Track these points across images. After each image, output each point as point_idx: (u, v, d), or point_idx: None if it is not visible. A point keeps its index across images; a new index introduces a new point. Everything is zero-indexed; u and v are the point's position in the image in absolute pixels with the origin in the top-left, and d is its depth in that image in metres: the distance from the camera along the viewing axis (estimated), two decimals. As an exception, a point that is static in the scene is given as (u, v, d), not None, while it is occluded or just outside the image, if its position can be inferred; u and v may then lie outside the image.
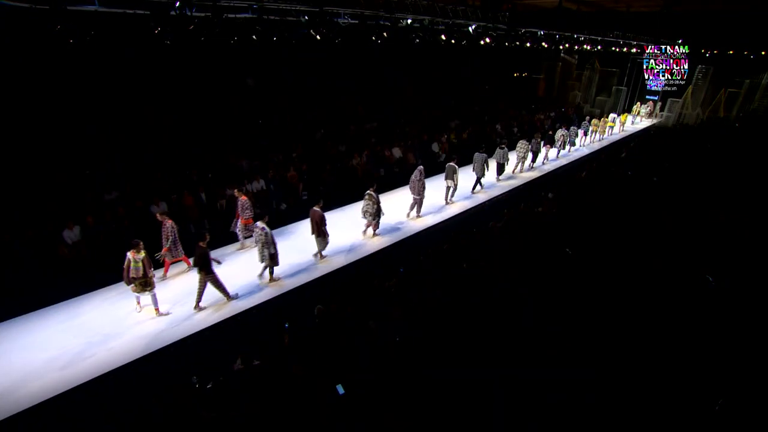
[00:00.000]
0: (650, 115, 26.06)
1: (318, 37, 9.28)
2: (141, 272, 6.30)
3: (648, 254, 7.81)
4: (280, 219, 10.19)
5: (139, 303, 6.84)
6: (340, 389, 4.09)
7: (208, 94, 13.44)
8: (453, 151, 15.47)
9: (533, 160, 14.40)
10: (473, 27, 12.57)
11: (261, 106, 15.09)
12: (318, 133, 14.82)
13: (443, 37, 11.79)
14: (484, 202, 11.77)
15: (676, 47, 19.25)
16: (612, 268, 7.31)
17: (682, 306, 6.20)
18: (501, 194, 12.43)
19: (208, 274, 6.68)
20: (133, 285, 6.41)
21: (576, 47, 19.59)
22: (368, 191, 9.01)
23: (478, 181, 12.05)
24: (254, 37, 8.53)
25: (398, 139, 15.18)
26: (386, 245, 9.19)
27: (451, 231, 9.80)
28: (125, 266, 6.33)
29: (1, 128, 9.53)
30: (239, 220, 8.61)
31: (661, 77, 19.87)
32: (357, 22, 9.84)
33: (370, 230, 9.50)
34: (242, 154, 12.20)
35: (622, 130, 21.90)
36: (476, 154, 11.74)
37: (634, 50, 22.84)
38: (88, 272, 7.83)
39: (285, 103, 15.70)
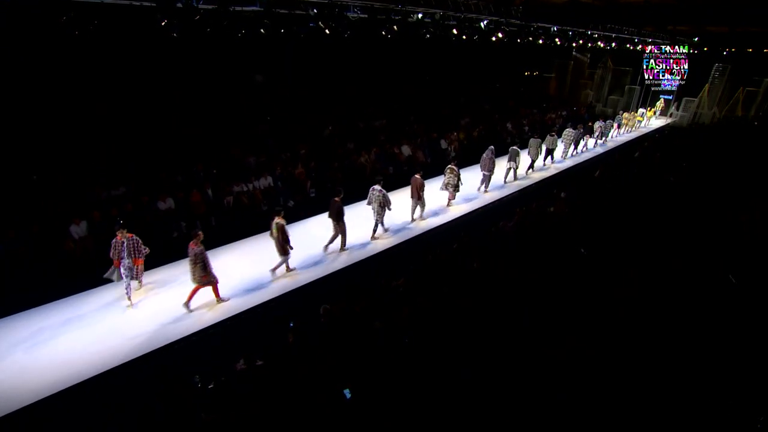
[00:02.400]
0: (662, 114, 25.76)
1: (327, 31, 9.11)
2: (275, 235, 7.15)
3: (667, 254, 7.52)
4: (288, 216, 10.03)
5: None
6: (347, 393, 3.91)
7: (215, 89, 13.34)
8: (463, 149, 15.35)
9: (575, 147, 16.11)
10: (485, 22, 12.31)
11: (269, 101, 14.97)
12: (326, 129, 14.67)
13: (455, 31, 11.54)
14: (495, 201, 11.56)
15: (676, 47, 19.47)
16: (629, 269, 7.05)
17: (704, 306, 5.92)
18: (513, 193, 12.20)
19: (340, 223, 8.11)
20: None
21: (589, 45, 19.25)
22: (450, 165, 10.26)
23: (532, 163, 13.72)
24: (262, 30, 8.38)
25: (407, 137, 14.97)
26: (395, 244, 9.00)
27: (461, 230, 9.58)
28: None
29: (7, 123, 9.50)
30: (122, 263, 6.58)
31: (661, 77, 20.00)
32: (366, 16, 9.65)
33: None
34: (249, 151, 12.10)
35: (648, 124, 22.82)
36: (531, 139, 13.59)
37: (648, 48, 22.38)
38: (94, 268, 7.75)
39: (293, 99, 15.57)
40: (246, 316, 6.72)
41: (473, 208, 10.95)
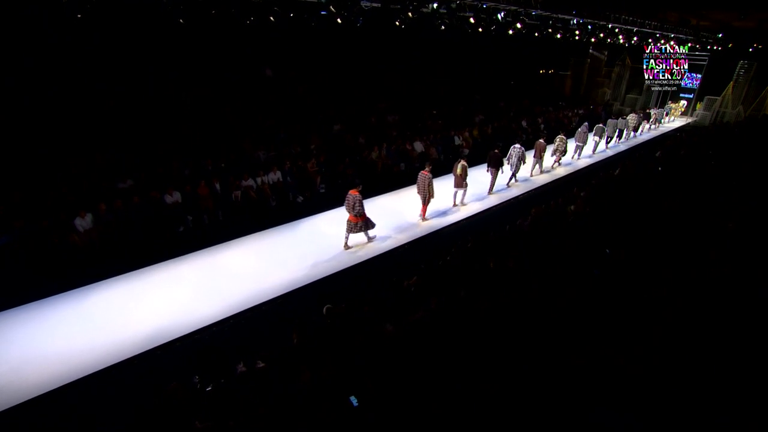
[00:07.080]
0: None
1: (339, 20, 8.79)
2: (460, 173, 9.53)
3: (706, 256, 7.00)
4: (296, 212, 9.79)
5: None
6: (354, 401, 3.59)
7: (224, 80, 13.11)
8: (476, 146, 15.02)
9: (635, 130, 18.67)
10: (502, 14, 11.87)
11: (279, 94, 14.71)
12: (337, 124, 14.37)
13: (472, 20, 11.12)
14: (511, 199, 11.18)
15: (677, 47, 19.49)
16: (662, 270, 6.57)
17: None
18: (531, 190, 11.81)
19: (497, 169, 10.60)
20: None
21: (609, 40, 18.68)
22: (559, 135, 12.83)
23: (609, 139, 16.56)
24: (271, 18, 8.09)
25: (420, 133, 14.62)
26: (404, 242, 8.66)
27: (476, 228, 9.22)
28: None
29: (13, 114, 9.36)
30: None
31: (661, 77, 20.13)
32: (380, 5, 9.30)
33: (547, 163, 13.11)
34: (260, 145, 11.85)
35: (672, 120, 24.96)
36: (609, 120, 16.74)
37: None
38: (99, 261, 7.57)
39: (303, 92, 15.30)
40: (250, 314, 6.45)
41: (486, 207, 10.59)
